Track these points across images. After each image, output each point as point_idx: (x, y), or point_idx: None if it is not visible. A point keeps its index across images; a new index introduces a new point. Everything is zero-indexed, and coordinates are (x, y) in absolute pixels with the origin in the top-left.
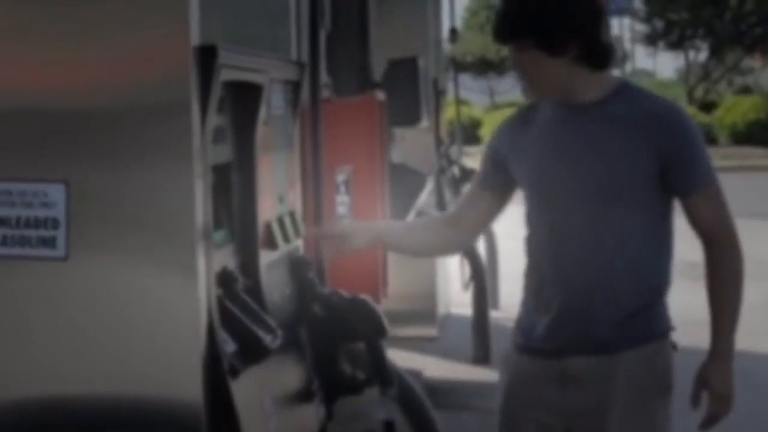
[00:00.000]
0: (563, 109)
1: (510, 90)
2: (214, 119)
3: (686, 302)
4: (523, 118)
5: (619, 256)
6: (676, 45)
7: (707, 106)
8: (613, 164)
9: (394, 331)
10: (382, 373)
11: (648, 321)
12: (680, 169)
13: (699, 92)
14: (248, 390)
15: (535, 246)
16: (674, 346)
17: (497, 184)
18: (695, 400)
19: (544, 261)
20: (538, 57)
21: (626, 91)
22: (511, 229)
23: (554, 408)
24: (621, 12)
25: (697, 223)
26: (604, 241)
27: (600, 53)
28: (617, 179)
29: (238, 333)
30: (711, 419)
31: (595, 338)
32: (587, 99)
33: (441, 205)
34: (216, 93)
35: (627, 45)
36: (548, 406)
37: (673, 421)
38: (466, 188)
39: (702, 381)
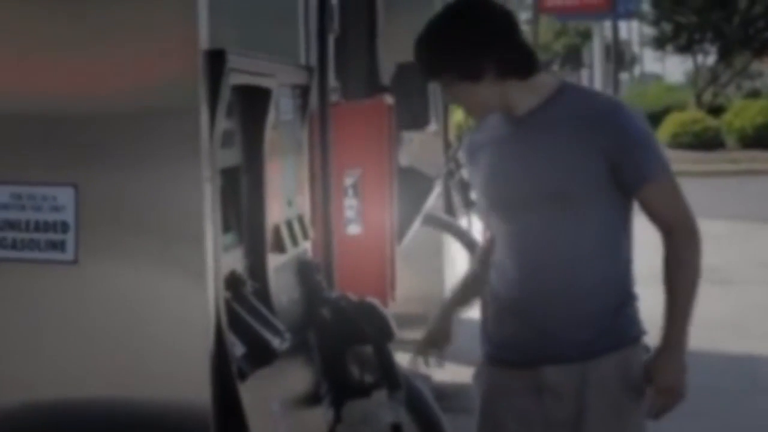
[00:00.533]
0: (508, 123)
1: None
2: (223, 123)
3: (696, 306)
4: (476, 141)
5: (580, 260)
6: (685, 48)
7: (715, 110)
8: (561, 168)
9: (403, 334)
10: (390, 376)
11: (620, 326)
12: (628, 164)
13: (707, 96)
14: (257, 393)
15: (497, 259)
16: (647, 350)
17: None
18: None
19: (507, 273)
20: (464, 86)
21: (566, 93)
22: None
23: (531, 419)
24: (629, 15)
25: (653, 215)
26: (564, 247)
27: (521, 62)
28: (567, 183)
29: (247, 336)
30: (657, 411)
31: (566, 346)
32: (527, 108)
33: (449, 208)
34: (225, 97)
35: (635, 49)
36: (525, 418)
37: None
38: (473, 194)
39: (647, 372)
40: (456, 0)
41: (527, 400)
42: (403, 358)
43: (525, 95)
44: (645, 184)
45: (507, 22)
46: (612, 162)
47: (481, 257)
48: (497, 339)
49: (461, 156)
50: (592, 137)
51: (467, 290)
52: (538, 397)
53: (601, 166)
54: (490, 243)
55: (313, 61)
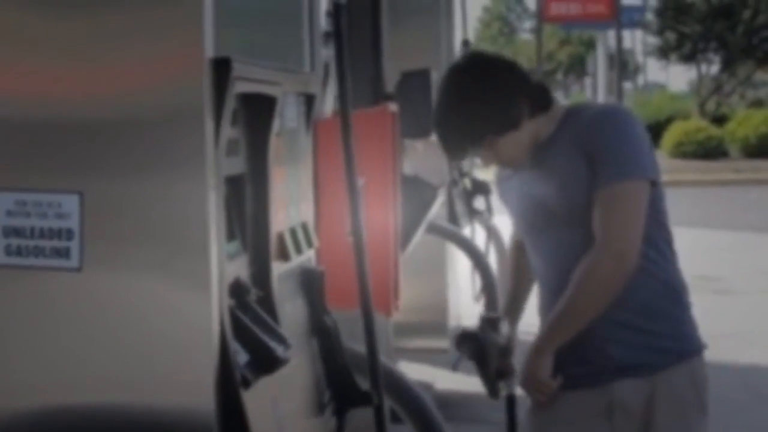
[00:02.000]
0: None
1: None
2: (228, 131)
3: (698, 316)
4: (504, 176)
5: None
6: (689, 58)
7: (719, 119)
8: (574, 185)
9: (406, 343)
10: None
11: (682, 334)
12: (596, 165)
13: (711, 105)
14: (260, 401)
15: (543, 285)
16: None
17: None
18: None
19: (555, 296)
20: (505, 139)
21: (573, 113)
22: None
23: None
24: (633, 25)
25: (593, 221)
26: None
27: (542, 94)
28: (584, 197)
29: (250, 344)
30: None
31: (631, 357)
32: (547, 135)
33: (452, 217)
34: (230, 105)
35: (639, 58)
36: None
37: None
38: (478, 201)
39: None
40: (459, 66)
41: (596, 423)
42: (406, 367)
43: (548, 124)
44: (599, 187)
45: (516, 64)
46: (591, 163)
47: (516, 261)
48: (561, 362)
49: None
50: (581, 141)
51: (517, 299)
52: (606, 418)
53: (588, 171)
54: (517, 248)
55: (318, 68)
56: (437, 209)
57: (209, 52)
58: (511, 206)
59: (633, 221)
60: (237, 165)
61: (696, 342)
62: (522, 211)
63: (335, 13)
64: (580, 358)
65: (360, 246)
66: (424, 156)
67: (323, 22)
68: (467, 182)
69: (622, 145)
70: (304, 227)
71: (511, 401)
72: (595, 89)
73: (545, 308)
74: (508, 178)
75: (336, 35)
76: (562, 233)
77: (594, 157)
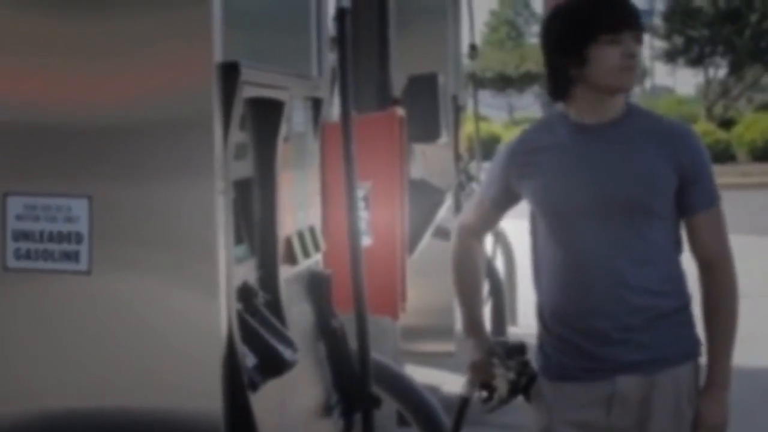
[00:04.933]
0: (576, 132)
1: (529, 106)
2: (236, 135)
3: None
4: (530, 141)
5: (652, 269)
6: (696, 62)
7: (726, 123)
8: (643, 182)
9: (412, 346)
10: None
11: (685, 334)
12: (693, 186)
13: (718, 109)
14: (268, 403)
15: (556, 270)
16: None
17: (506, 204)
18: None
19: (570, 284)
20: (605, 53)
21: (638, 111)
22: (528, 245)
23: (598, 430)
24: None
25: (696, 243)
26: (636, 255)
27: None
28: (648, 195)
29: (258, 347)
30: None
31: (636, 351)
32: (605, 119)
33: None
34: (238, 110)
35: (646, 62)
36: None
37: None
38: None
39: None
40: None
41: (592, 413)
42: (413, 371)
43: (615, 103)
44: (702, 209)
45: None
46: (683, 179)
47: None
48: (565, 355)
49: (503, 152)
50: (673, 152)
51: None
52: (605, 406)
53: (674, 180)
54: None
55: (325, 73)
56: (445, 213)
57: (218, 56)
58: (544, 181)
59: (728, 236)
60: (245, 169)
61: (697, 341)
62: (567, 192)
63: (339, 17)
64: (590, 357)
65: (356, 247)
66: (432, 160)
67: (330, 27)
68: (475, 186)
69: (712, 169)
70: (312, 231)
71: (464, 402)
72: None
73: (556, 296)
74: (542, 149)
75: (339, 40)
76: (626, 221)
77: (689, 177)
